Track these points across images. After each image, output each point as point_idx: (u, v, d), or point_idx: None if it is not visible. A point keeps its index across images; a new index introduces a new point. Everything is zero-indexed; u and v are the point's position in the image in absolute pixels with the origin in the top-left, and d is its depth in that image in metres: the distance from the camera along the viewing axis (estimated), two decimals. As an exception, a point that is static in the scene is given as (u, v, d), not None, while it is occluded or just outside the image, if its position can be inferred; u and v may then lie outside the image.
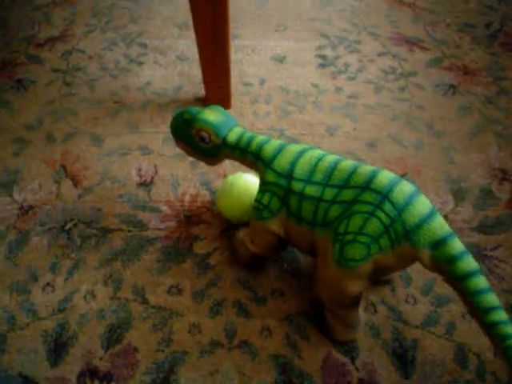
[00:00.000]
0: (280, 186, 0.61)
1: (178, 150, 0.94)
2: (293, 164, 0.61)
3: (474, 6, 1.42)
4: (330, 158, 0.60)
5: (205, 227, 0.82)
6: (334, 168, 0.59)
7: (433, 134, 0.99)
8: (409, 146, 0.96)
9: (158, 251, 0.78)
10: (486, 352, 0.67)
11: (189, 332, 0.69)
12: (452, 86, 1.12)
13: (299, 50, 1.23)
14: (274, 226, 0.63)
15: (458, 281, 0.51)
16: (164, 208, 0.85)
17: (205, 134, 0.66)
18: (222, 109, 0.70)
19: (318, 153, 0.62)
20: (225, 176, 0.89)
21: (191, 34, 1.27)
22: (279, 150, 0.63)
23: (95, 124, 1.01)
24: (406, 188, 0.54)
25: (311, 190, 0.58)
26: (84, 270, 0.76)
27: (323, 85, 1.12)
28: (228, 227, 0.82)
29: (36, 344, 0.67)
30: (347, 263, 0.54)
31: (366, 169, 0.57)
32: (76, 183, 0.89)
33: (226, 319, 0.70)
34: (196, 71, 1.15)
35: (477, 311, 0.50)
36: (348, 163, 0.59)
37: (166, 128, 1.00)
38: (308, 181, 0.59)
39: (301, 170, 0.60)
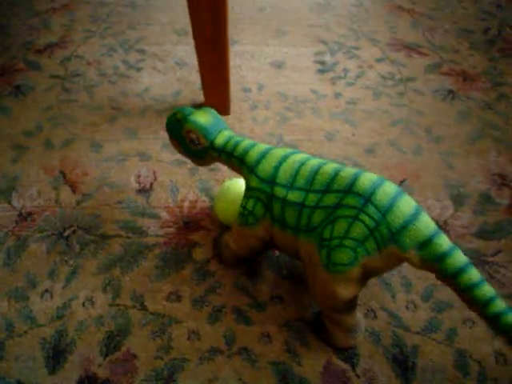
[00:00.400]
0: (263, 192, 0.61)
1: (177, 156, 0.94)
2: (276, 169, 0.60)
3: (472, 12, 1.43)
4: (313, 162, 0.60)
5: (204, 233, 0.82)
6: (316, 172, 0.58)
7: (432, 140, 0.99)
8: (408, 152, 0.96)
9: (156, 257, 0.78)
10: (487, 358, 0.66)
11: (188, 339, 0.68)
12: (451, 92, 1.12)
13: (298, 55, 1.23)
14: (259, 231, 0.63)
15: (450, 278, 0.51)
16: (163, 214, 0.84)
17: (193, 136, 0.67)
18: (213, 111, 0.71)
19: (301, 157, 0.61)
20: (223, 182, 0.89)
21: (190, 40, 1.27)
22: (263, 155, 0.63)
23: (94, 130, 1.01)
24: (389, 189, 0.54)
25: (294, 196, 0.58)
26: (83, 276, 0.76)
27: (322, 90, 1.12)
28: (227, 233, 0.82)
29: (34, 351, 0.67)
30: (336, 268, 0.54)
31: (347, 172, 0.57)
32: (75, 189, 0.88)
33: (226, 326, 0.70)
34: (195, 77, 1.15)
35: (475, 305, 0.50)
36: (330, 167, 0.59)
37: (164, 134, 1.00)
38: (290, 186, 0.59)
39: (283, 175, 0.60)
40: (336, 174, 0.57)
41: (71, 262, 0.77)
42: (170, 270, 0.76)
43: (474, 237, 0.81)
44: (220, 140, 0.67)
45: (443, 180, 0.90)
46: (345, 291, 0.56)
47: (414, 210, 0.53)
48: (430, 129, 1.02)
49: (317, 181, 0.58)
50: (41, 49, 1.25)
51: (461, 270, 0.50)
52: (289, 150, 0.63)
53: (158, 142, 0.98)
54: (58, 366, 0.65)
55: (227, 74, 0.95)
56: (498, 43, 1.29)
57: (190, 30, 1.31)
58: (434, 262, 0.51)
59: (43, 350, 0.67)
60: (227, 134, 0.68)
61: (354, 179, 0.55)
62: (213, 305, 0.72)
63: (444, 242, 0.52)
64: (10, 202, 0.86)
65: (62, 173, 0.91)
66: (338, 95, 1.10)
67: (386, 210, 0.52)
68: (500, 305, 0.49)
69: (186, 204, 0.86)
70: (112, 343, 0.68)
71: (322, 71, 1.18)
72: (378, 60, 1.22)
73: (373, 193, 0.53)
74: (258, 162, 0.62)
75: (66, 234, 0.81)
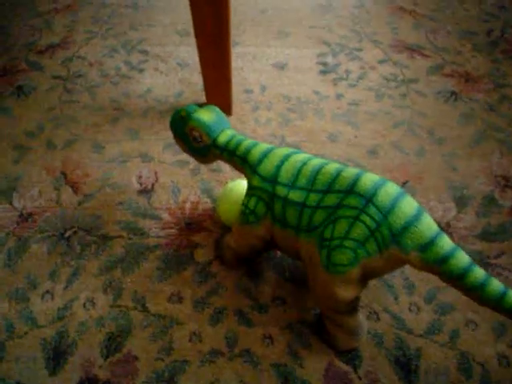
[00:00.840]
0: (265, 191, 0.60)
1: (179, 157, 0.94)
2: (278, 168, 0.60)
3: (474, 14, 1.42)
4: (315, 162, 0.60)
5: (206, 235, 0.81)
6: (317, 172, 0.58)
7: (434, 141, 0.99)
8: (410, 153, 0.96)
9: (158, 259, 0.78)
10: (490, 361, 0.66)
11: (189, 341, 0.68)
12: (453, 93, 1.11)
13: (300, 57, 1.23)
14: (260, 230, 0.63)
15: (456, 279, 0.51)
16: (164, 215, 0.84)
17: (196, 134, 0.68)
18: (217, 110, 0.71)
19: (303, 157, 0.61)
20: (226, 183, 0.89)
21: (192, 40, 1.27)
22: (265, 154, 0.62)
23: (96, 131, 1.01)
24: (390, 190, 0.53)
25: (295, 196, 0.58)
26: (84, 277, 0.75)
27: (324, 92, 1.11)
28: (229, 234, 0.81)
29: (35, 352, 0.67)
30: (335, 269, 0.54)
31: (349, 172, 0.56)
32: (76, 190, 0.88)
33: (227, 328, 0.69)
34: (197, 78, 1.15)
35: (488, 302, 0.50)
36: (332, 166, 0.58)
37: (166, 135, 0.99)
38: (292, 186, 0.59)
39: (285, 174, 0.59)
40: (338, 173, 0.57)
41: (72, 262, 0.77)
42: (172, 271, 0.76)
43: (477, 239, 0.81)
44: (222, 138, 0.67)
45: (446, 182, 0.90)
46: (345, 292, 0.55)
47: (416, 211, 0.52)
48: (432, 130, 1.01)
49: (318, 180, 0.57)
50: (43, 49, 1.25)
51: (466, 271, 0.50)
52: (291, 150, 0.63)
53: (159, 142, 0.98)
54: (59, 367, 0.65)
55: (229, 74, 0.95)
56: (501, 45, 1.28)
57: (191, 30, 1.31)
58: (436, 264, 0.51)
59: (44, 351, 0.67)
60: (230, 132, 0.68)
61: (356, 179, 0.55)
62: (214, 306, 0.72)
63: (446, 243, 0.51)
64: (11, 203, 0.86)
65: (64, 173, 0.91)
66: (340, 96, 1.10)
67: (387, 211, 0.52)
68: None
69: (188, 205, 0.85)
70: (113, 344, 0.67)
71: (324, 72, 1.17)
72: (380, 61, 1.21)
73: (374, 193, 0.53)
74: (260, 161, 0.62)
75: (67, 234, 0.81)
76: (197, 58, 1.20)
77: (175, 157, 0.94)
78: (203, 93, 1.09)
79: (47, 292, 0.73)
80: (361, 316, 0.65)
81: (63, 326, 0.69)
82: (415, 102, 1.09)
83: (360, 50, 1.26)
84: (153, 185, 0.89)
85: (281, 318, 0.71)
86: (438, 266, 0.51)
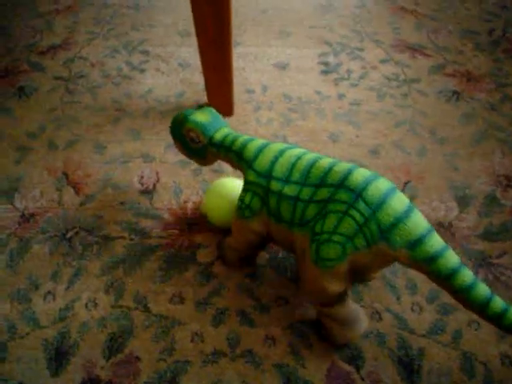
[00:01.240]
0: (260, 186, 0.61)
1: (181, 157, 0.94)
2: (273, 163, 0.61)
3: (476, 13, 1.42)
4: (309, 157, 0.60)
5: (208, 235, 0.81)
6: (311, 166, 0.58)
7: (436, 141, 0.98)
8: (412, 153, 0.96)
9: (160, 259, 0.78)
10: (492, 361, 0.66)
11: (191, 341, 0.68)
12: (455, 93, 1.11)
13: (302, 56, 1.23)
14: (256, 225, 0.63)
15: (444, 279, 0.50)
16: (166, 216, 0.84)
17: (193, 135, 0.69)
18: (213, 111, 0.72)
19: (298, 151, 0.62)
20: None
21: (193, 41, 1.27)
22: (261, 150, 0.63)
23: (97, 131, 1.01)
24: (381, 186, 0.53)
25: (289, 190, 0.58)
26: (85, 278, 0.75)
27: (326, 92, 1.11)
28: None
29: (36, 353, 0.67)
30: (324, 263, 0.54)
31: (342, 166, 0.57)
32: (78, 191, 0.88)
33: (229, 328, 0.69)
34: (198, 78, 1.15)
35: (473, 306, 0.50)
36: (326, 161, 0.58)
37: (168, 135, 0.99)
38: (286, 180, 0.59)
39: (280, 169, 0.60)
40: (330, 168, 0.57)
41: (74, 263, 0.77)
42: (174, 271, 0.76)
43: (478, 238, 0.81)
44: (218, 136, 0.68)
45: (448, 181, 0.90)
46: (333, 286, 0.56)
47: (406, 207, 0.52)
48: (434, 130, 1.01)
49: (312, 175, 0.58)
50: (44, 50, 1.25)
51: (454, 272, 0.50)
52: (286, 145, 0.64)
53: (161, 143, 0.98)
54: (61, 368, 0.65)
55: (230, 75, 0.95)
56: (503, 44, 1.28)
57: (193, 31, 1.31)
58: (425, 263, 0.51)
59: (45, 352, 0.67)
60: (226, 130, 0.70)
61: (348, 174, 0.55)
62: (216, 307, 0.72)
63: (436, 242, 0.51)
64: (12, 203, 0.86)
65: (65, 174, 0.91)
66: (341, 96, 1.10)
67: (376, 207, 0.52)
68: (499, 303, 0.49)
69: (190, 205, 0.85)
70: (115, 345, 0.67)
71: (325, 72, 1.17)
72: (382, 61, 1.21)
73: (364, 188, 0.53)
74: (256, 156, 0.63)
75: (68, 235, 0.81)
76: (198, 59, 1.20)
77: (177, 157, 0.94)
78: (204, 93, 1.09)
79: (49, 292, 0.73)
80: (355, 306, 0.64)
81: (65, 327, 0.69)
82: (417, 101, 1.09)
83: (361, 49, 1.26)
84: (154, 185, 0.89)
85: (283, 318, 0.70)
86: (427, 264, 0.50)
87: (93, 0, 1.47)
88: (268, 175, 0.60)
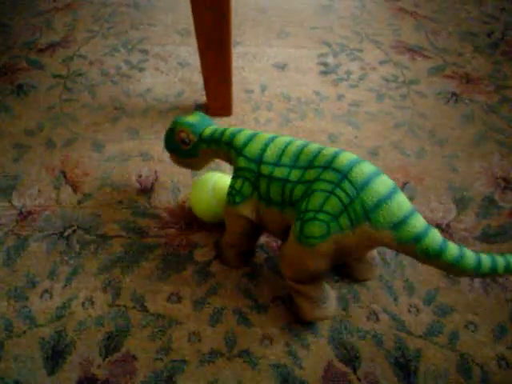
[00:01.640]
0: (251, 171, 0.62)
1: (179, 157, 0.94)
2: (263, 149, 0.62)
3: (475, 15, 1.42)
4: (299, 143, 0.62)
5: (205, 234, 0.81)
6: (301, 151, 0.60)
7: (435, 143, 0.98)
8: (411, 154, 0.96)
9: (157, 258, 0.77)
10: (489, 363, 0.66)
11: (188, 340, 0.68)
12: (454, 94, 1.11)
13: (301, 57, 1.23)
14: (246, 210, 0.64)
15: (433, 258, 0.51)
16: (164, 215, 0.84)
17: (184, 135, 0.72)
18: (201, 113, 0.75)
19: (288, 139, 0.63)
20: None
21: (193, 40, 1.27)
22: (251, 138, 0.65)
23: (96, 130, 1.01)
24: (365, 168, 0.54)
25: (279, 172, 0.59)
26: (83, 276, 0.75)
27: (325, 92, 1.11)
28: (229, 234, 0.81)
29: (33, 351, 0.66)
30: (307, 240, 0.55)
31: (329, 150, 0.58)
32: (76, 189, 0.88)
33: (226, 328, 0.69)
34: (197, 78, 1.15)
35: (466, 273, 0.51)
36: (314, 146, 0.60)
37: (166, 134, 0.99)
38: (276, 164, 0.60)
39: (270, 154, 0.61)
40: (319, 152, 0.58)
41: (71, 261, 0.77)
42: (171, 270, 0.76)
43: (477, 240, 0.81)
44: (208, 131, 0.71)
45: (446, 183, 0.90)
46: (315, 265, 0.56)
47: (390, 189, 0.53)
48: (433, 131, 1.01)
49: (301, 158, 0.59)
50: (43, 48, 1.25)
51: (441, 248, 0.50)
52: (275, 134, 0.65)
53: (159, 142, 0.98)
54: (57, 366, 0.65)
55: (230, 76, 0.95)
56: (502, 46, 1.28)
57: (192, 30, 1.31)
58: (411, 244, 0.51)
59: (42, 351, 0.67)
60: (214, 126, 0.72)
61: (334, 156, 0.56)
62: (214, 306, 0.72)
63: (418, 222, 0.52)
64: (10, 201, 0.86)
65: (63, 172, 0.91)
66: (340, 97, 1.10)
67: (360, 187, 0.53)
68: (488, 261, 0.51)
69: (188, 205, 0.85)
70: (112, 344, 0.67)
71: (324, 73, 1.17)
72: (381, 62, 1.21)
73: (350, 169, 0.54)
74: (246, 144, 0.64)
75: (66, 233, 0.81)
76: (197, 58, 1.20)
77: (175, 156, 0.94)
78: (203, 92, 1.09)
79: (46, 291, 0.73)
80: (328, 289, 0.65)
81: (62, 325, 0.69)
82: (416, 102, 1.09)
83: (361, 50, 1.26)
84: (153, 184, 0.89)
85: (280, 318, 0.70)
86: (413, 244, 0.51)
87: (92, -2, 1.47)
88: (258, 160, 0.62)
